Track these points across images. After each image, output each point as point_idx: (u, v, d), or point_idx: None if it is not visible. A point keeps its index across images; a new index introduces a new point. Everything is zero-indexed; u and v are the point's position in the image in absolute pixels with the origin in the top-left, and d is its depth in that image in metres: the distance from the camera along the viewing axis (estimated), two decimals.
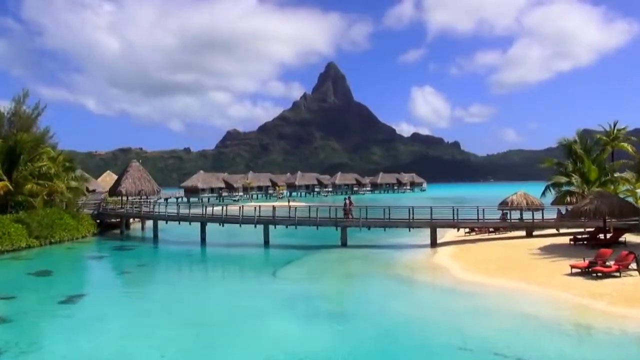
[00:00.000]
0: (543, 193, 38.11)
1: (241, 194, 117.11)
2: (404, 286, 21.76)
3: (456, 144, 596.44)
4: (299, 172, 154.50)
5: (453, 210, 33.58)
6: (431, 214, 33.23)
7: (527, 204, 35.85)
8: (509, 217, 34.68)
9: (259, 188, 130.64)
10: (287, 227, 36.09)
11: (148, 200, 52.73)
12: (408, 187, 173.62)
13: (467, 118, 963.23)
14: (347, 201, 35.37)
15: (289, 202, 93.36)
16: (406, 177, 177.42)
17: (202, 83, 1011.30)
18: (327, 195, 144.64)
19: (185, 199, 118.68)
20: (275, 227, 36.20)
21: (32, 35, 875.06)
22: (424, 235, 33.94)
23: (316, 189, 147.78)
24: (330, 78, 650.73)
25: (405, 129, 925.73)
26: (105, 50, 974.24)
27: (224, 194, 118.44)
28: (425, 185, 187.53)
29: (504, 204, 36.65)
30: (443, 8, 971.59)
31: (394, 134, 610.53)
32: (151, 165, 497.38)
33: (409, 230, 33.34)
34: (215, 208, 40.19)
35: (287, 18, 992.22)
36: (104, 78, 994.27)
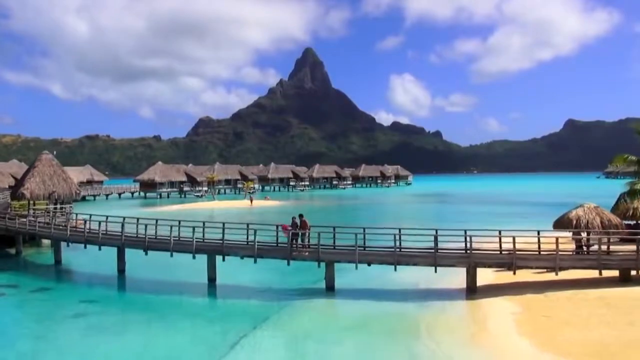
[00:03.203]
0: (616, 205, 26.44)
1: (205, 188, 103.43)
2: None
3: (438, 134, 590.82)
4: (272, 164, 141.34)
5: (500, 237, 21.56)
6: (468, 242, 21.05)
7: (602, 224, 24.10)
8: (582, 246, 22.81)
9: (227, 182, 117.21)
10: (242, 258, 23.47)
11: (63, 206, 39.37)
12: (392, 181, 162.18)
13: (447, 107, 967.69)
14: (298, 220, 23.20)
15: (251, 200, 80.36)
16: (390, 170, 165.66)
17: (173, 69, 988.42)
18: (303, 190, 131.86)
19: (142, 194, 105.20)
20: (224, 260, 23.53)
21: None
22: (450, 271, 21.94)
23: (291, 183, 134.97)
24: (308, 64, 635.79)
25: (384, 118, 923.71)
26: (73, 34, 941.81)
27: (186, 188, 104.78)
28: (411, 178, 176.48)
29: (564, 224, 24.89)
30: None
31: (374, 123, 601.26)
32: (119, 153, 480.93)
33: (435, 271, 21.06)
34: (140, 222, 27.21)
35: (262, 3, 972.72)
36: (71, 62, 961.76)
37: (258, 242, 23.02)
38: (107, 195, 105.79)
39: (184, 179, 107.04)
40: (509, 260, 20.18)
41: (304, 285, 22.94)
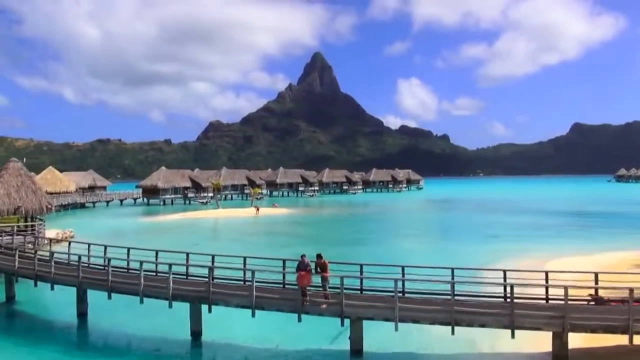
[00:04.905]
0: None
1: (210, 195, 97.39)
2: None
3: (445, 137, 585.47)
4: (281, 169, 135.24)
5: (596, 289, 15.15)
6: (555, 289, 14.69)
7: None
8: None
9: (234, 187, 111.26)
10: (235, 307, 17.23)
11: (33, 223, 33.48)
12: (404, 185, 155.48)
13: (454, 111, 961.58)
14: (309, 259, 16.75)
15: (257, 209, 74.22)
16: (402, 174, 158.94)
17: (183, 73, 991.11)
18: (312, 196, 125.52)
19: (145, 200, 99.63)
20: (210, 311, 17.29)
21: (11, 23, 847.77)
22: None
23: (300, 188, 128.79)
24: (317, 68, 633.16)
25: (392, 122, 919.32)
26: (85, 40, 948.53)
27: (190, 194, 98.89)
28: (422, 182, 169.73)
29: None
30: (428, 0, 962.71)
31: (382, 126, 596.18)
32: (131, 157, 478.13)
33: (512, 336, 14.59)
34: (109, 251, 21.23)
35: (270, 8, 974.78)
36: (83, 67, 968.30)
37: (257, 283, 16.80)
38: (107, 202, 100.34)
39: (189, 184, 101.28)
40: (625, 323, 13.69)
41: (320, 345, 16.69)
